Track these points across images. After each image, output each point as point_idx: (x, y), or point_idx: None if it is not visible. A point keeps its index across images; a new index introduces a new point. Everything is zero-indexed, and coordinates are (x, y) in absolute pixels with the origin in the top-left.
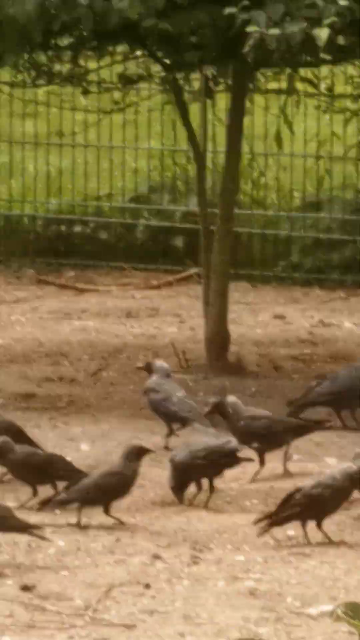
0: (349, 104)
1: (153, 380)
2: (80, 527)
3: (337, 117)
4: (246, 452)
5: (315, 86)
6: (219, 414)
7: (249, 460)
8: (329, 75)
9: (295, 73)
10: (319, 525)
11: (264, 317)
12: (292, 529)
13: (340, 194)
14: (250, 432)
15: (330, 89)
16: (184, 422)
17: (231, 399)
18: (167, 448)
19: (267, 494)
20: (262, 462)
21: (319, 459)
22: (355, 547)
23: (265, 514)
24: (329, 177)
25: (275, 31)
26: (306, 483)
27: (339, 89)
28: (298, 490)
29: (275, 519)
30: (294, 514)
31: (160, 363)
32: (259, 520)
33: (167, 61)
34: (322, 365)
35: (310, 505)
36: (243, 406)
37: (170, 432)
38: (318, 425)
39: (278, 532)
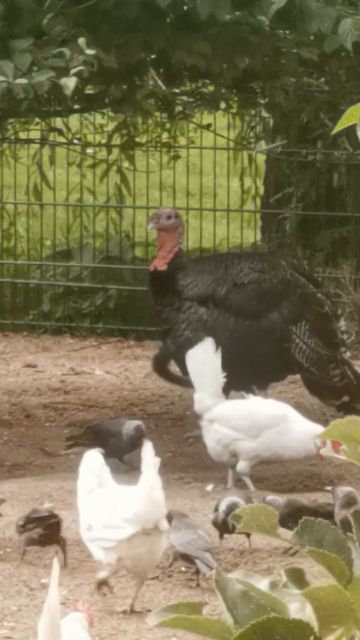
0: (98, 153)
1: None
2: None
3: (88, 165)
4: None
5: (64, 135)
6: None
7: None
8: (79, 124)
9: (44, 122)
10: None
11: (15, 366)
12: (45, 577)
13: (91, 242)
14: None
15: (80, 138)
16: None
17: None
18: None
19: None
20: None
21: None
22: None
23: None
24: (81, 226)
25: (22, 81)
26: None
27: (89, 137)
28: None
29: None
30: None
31: None
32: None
33: None
34: (75, 413)
35: None
36: None
37: None
38: None
39: (32, 580)
